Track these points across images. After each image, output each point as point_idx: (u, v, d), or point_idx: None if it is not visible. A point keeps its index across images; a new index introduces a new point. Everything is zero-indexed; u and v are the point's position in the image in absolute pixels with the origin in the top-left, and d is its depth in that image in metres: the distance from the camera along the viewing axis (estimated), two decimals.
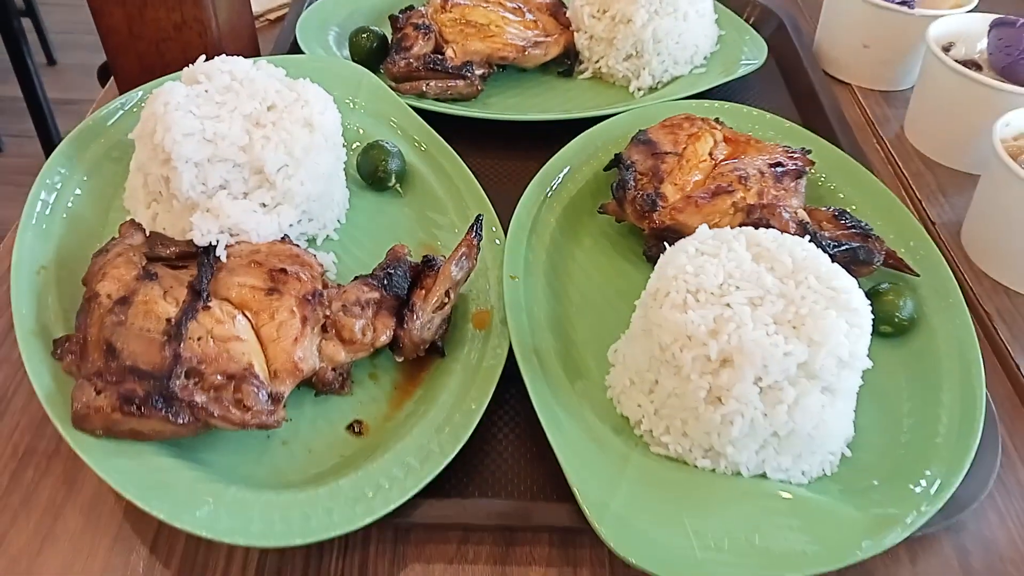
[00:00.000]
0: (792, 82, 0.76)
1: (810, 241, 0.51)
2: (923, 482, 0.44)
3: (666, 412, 0.45)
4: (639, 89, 0.73)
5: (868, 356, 0.45)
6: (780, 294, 0.43)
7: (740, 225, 0.53)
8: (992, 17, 0.67)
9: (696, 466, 0.44)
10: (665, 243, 0.49)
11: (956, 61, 0.66)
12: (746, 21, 0.81)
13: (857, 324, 0.43)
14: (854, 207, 0.61)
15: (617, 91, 0.74)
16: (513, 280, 0.53)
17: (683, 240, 0.48)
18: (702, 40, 0.73)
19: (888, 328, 0.52)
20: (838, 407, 0.44)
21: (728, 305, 0.43)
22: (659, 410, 0.45)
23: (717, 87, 0.71)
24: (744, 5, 0.83)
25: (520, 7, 0.76)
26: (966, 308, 0.52)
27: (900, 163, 0.69)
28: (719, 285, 0.44)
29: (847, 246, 0.53)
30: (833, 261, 0.51)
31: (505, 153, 0.67)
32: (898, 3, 0.71)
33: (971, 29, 0.68)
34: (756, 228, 0.52)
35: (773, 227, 0.52)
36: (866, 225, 0.55)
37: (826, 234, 0.54)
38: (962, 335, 0.51)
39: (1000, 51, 0.64)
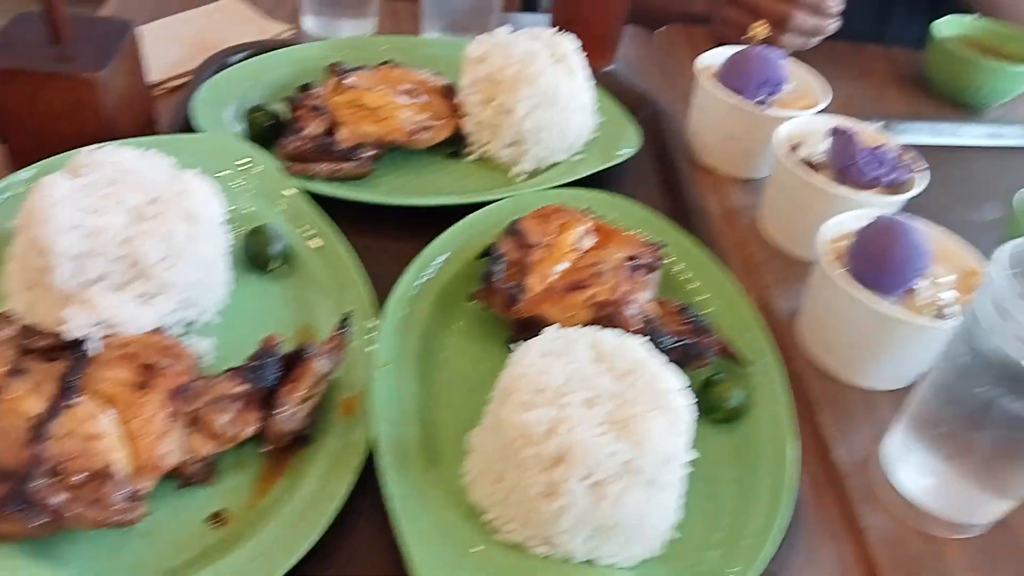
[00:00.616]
0: (663, 169, 0.83)
1: (651, 339, 0.57)
2: (739, 566, 0.50)
3: (510, 502, 0.49)
4: (521, 173, 0.78)
5: (700, 442, 0.50)
6: (612, 395, 0.49)
7: (593, 319, 0.59)
8: (832, 123, 0.76)
9: (535, 553, 0.49)
10: (525, 336, 0.54)
11: (800, 160, 0.74)
12: (625, 106, 0.88)
13: (679, 423, 0.49)
14: (704, 297, 0.67)
15: (501, 174, 0.78)
16: (383, 367, 0.57)
17: (532, 340, 0.52)
18: (581, 129, 0.79)
19: (719, 415, 0.58)
20: (661, 498, 0.49)
21: (565, 406, 0.48)
22: (505, 499, 0.50)
23: (595, 173, 0.77)
24: (624, 91, 0.90)
25: (414, 89, 0.80)
26: (787, 399, 0.58)
27: (752, 250, 0.76)
28: (559, 386, 0.49)
29: (683, 343, 0.59)
30: (670, 356, 0.58)
31: (393, 233, 0.71)
32: (754, 103, 0.79)
33: (816, 131, 0.76)
34: (607, 323, 0.58)
35: (620, 323, 0.59)
36: (702, 320, 0.61)
37: (666, 330, 0.60)
38: (782, 425, 0.57)
39: (836, 156, 0.72)
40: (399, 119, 0.76)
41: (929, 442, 0.54)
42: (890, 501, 0.57)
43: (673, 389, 0.50)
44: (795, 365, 0.66)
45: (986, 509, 0.55)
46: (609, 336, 0.52)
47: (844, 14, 1.14)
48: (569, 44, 0.78)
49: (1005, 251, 0.49)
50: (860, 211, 0.65)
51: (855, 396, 0.64)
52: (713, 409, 0.58)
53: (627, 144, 0.81)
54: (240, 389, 0.51)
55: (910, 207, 0.71)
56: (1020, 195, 0.73)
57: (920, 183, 0.72)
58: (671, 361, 0.58)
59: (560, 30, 0.90)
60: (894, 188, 0.72)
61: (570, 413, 0.47)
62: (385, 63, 0.83)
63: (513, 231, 0.66)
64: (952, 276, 0.63)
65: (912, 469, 0.56)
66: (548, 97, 0.75)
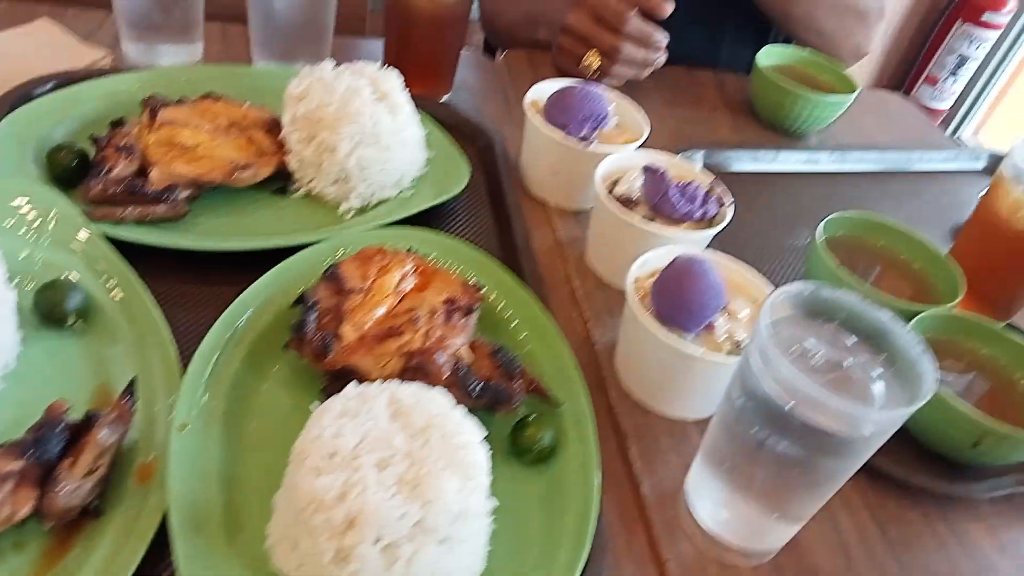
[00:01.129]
0: (496, 202, 0.84)
1: (460, 386, 0.58)
2: None
3: (306, 569, 0.49)
4: (349, 210, 0.77)
5: (510, 484, 0.52)
6: (406, 454, 0.49)
7: (404, 368, 0.59)
8: (647, 159, 0.79)
9: None
10: (341, 387, 0.54)
11: (619, 196, 0.77)
12: (461, 137, 0.88)
13: (473, 478, 0.49)
14: (524, 335, 0.69)
15: (329, 211, 0.77)
16: (182, 429, 0.55)
17: (331, 399, 0.52)
18: (408, 166, 0.79)
19: (529, 458, 0.60)
20: (459, 553, 0.50)
21: (357, 469, 0.48)
22: (300, 566, 0.49)
23: (428, 209, 0.78)
24: (460, 122, 0.91)
25: (237, 124, 0.78)
26: (594, 439, 0.60)
27: (578, 284, 0.79)
28: (353, 448, 0.49)
29: (492, 388, 0.60)
30: (479, 403, 0.58)
31: (211, 278, 0.69)
32: (578, 139, 0.81)
33: (635, 166, 0.79)
34: (417, 372, 0.59)
35: (431, 371, 0.59)
36: (514, 363, 0.62)
37: (477, 376, 0.60)
38: (590, 463, 0.59)
39: (648, 193, 0.75)
40: (217, 157, 0.74)
41: (720, 476, 0.57)
42: (692, 532, 0.60)
43: (469, 443, 0.50)
44: (611, 398, 0.69)
45: (775, 535, 0.59)
46: (409, 391, 0.53)
47: (679, 39, 1.20)
48: (393, 80, 0.77)
49: (773, 297, 0.52)
50: (665, 248, 0.68)
51: (666, 427, 0.67)
52: (524, 452, 0.60)
53: (458, 179, 0.81)
54: (13, 467, 0.48)
55: (729, 236, 0.75)
56: (821, 227, 0.78)
57: (727, 216, 0.76)
58: (481, 407, 0.60)
59: (393, 58, 0.91)
60: (706, 222, 0.76)
61: (362, 476, 0.47)
62: (207, 95, 0.80)
63: (331, 276, 0.65)
64: (747, 311, 0.67)
65: (708, 501, 0.59)
66: (370, 135, 0.74)
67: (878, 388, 0.52)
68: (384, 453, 0.49)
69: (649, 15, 0.99)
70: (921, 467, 0.68)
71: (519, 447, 0.60)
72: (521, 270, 0.75)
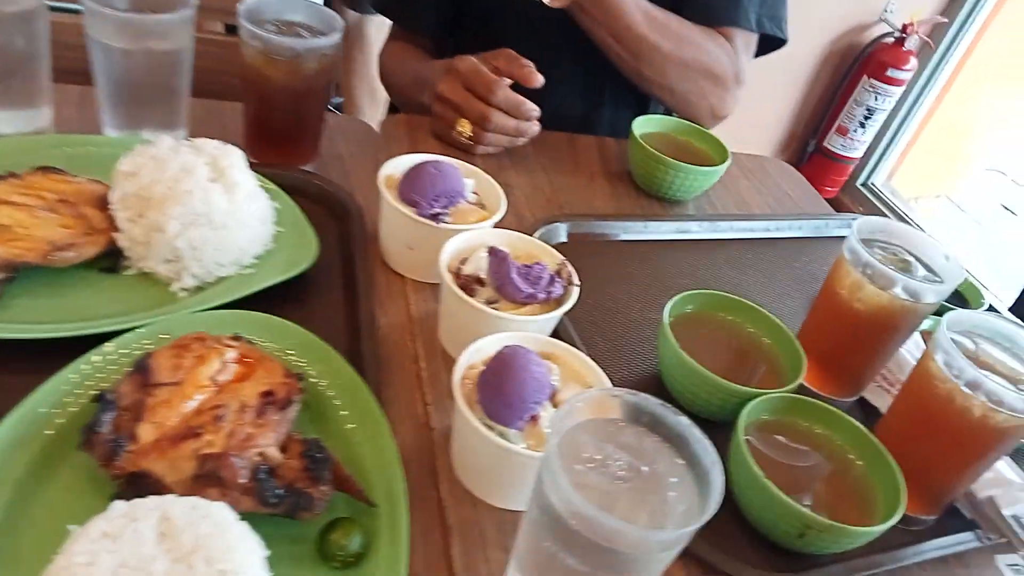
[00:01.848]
0: (348, 279, 0.82)
1: (257, 495, 0.55)
2: None
3: None
4: (182, 290, 0.74)
5: None
6: None
7: (198, 474, 0.56)
8: (494, 240, 0.78)
9: None
10: (136, 493, 0.50)
11: (467, 275, 0.75)
12: (322, 209, 0.87)
13: None
14: (351, 426, 0.66)
15: (161, 289, 0.74)
16: None
17: (94, 519, 0.49)
18: (248, 244, 0.76)
19: (336, 562, 0.57)
20: None
21: None
22: None
23: (274, 286, 0.75)
24: (321, 193, 0.89)
25: (67, 200, 0.75)
26: (405, 541, 0.58)
27: (425, 363, 0.77)
28: None
29: (292, 494, 0.57)
30: (278, 510, 0.56)
31: (22, 367, 0.65)
32: (428, 216, 0.80)
33: (484, 244, 0.78)
34: (212, 478, 0.56)
35: (226, 476, 0.56)
36: (322, 465, 0.59)
37: (280, 480, 0.58)
38: (398, 567, 0.57)
39: (492, 274, 0.74)
40: (36, 237, 0.70)
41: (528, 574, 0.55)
42: None
43: (237, 570, 0.47)
44: (442, 489, 0.67)
45: None
46: (184, 506, 0.50)
47: (561, 103, 1.20)
48: (232, 157, 0.75)
49: (568, 404, 0.51)
50: (496, 337, 0.67)
51: (495, 519, 0.65)
52: (329, 557, 0.57)
53: (306, 254, 0.79)
54: None
55: (595, 309, 0.74)
56: (669, 307, 0.78)
57: (572, 298, 0.75)
58: (282, 513, 0.57)
59: (251, 126, 0.89)
60: (553, 303, 0.75)
61: None
62: (41, 168, 0.77)
63: (138, 368, 0.62)
64: None
65: None
66: (201, 216, 0.71)
67: (673, 497, 0.51)
68: None
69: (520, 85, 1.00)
70: (753, 557, 0.67)
71: (325, 552, 0.57)
72: (363, 354, 0.73)
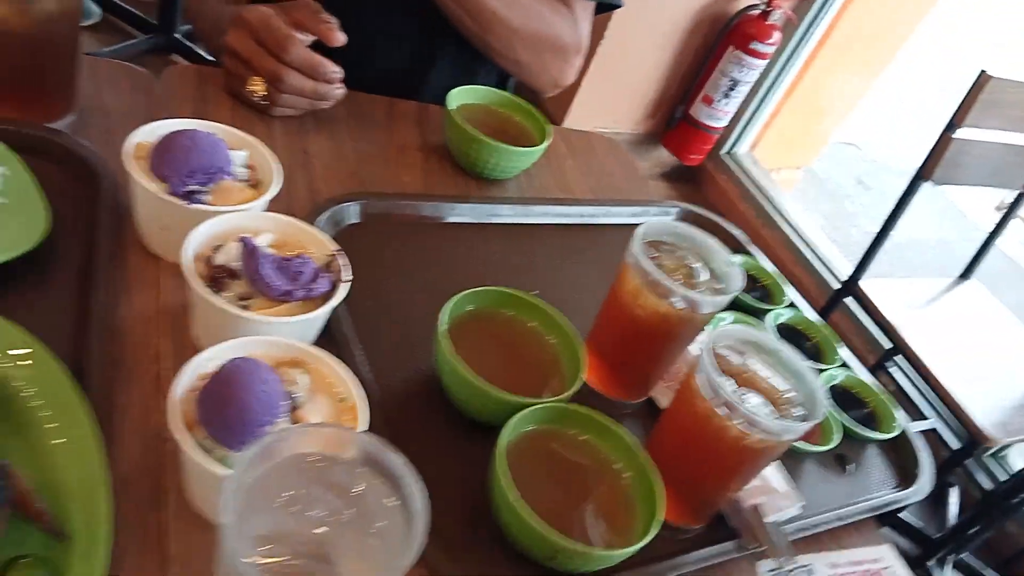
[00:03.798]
0: (87, 262, 0.72)
1: None
2: None
3: None
4: None
5: None
6: None
7: None
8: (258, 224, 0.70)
9: None
10: None
11: (217, 266, 0.67)
12: (67, 176, 0.76)
13: None
14: (58, 441, 0.58)
15: None
16: None
17: None
18: None
19: None
20: None
21: None
22: None
23: None
24: (66, 158, 0.77)
25: None
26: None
27: (168, 363, 0.68)
28: None
29: None
30: None
31: None
32: (180, 195, 0.71)
33: (246, 230, 0.70)
34: None
35: None
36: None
37: None
38: None
39: (245, 267, 0.66)
40: None
41: None
42: None
43: None
44: (168, 512, 0.60)
45: None
46: None
47: (388, 60, 1.12)
48: None
49: (241, 458, 0.45)
50: (229, 344, 0.60)
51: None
52: None
53: (32, 232, 0.69)
54: None
55: (382, 305, 0.68)
56: (447, 308, 0.73)
57: (339, 296, 0.69)
58: None
59: None
60: (317, 301, 0.68)
61: None
62: None
63: None
64: (325, 413, 0.60)
65: None
66: None
67: (375, 542, 0.46)
68: None
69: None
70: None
71: None
72: (90, 352, 0.64)
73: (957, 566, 2.08)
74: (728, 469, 0.67)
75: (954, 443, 2.11)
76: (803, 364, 0.67)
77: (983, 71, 1.65)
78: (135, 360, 0.68)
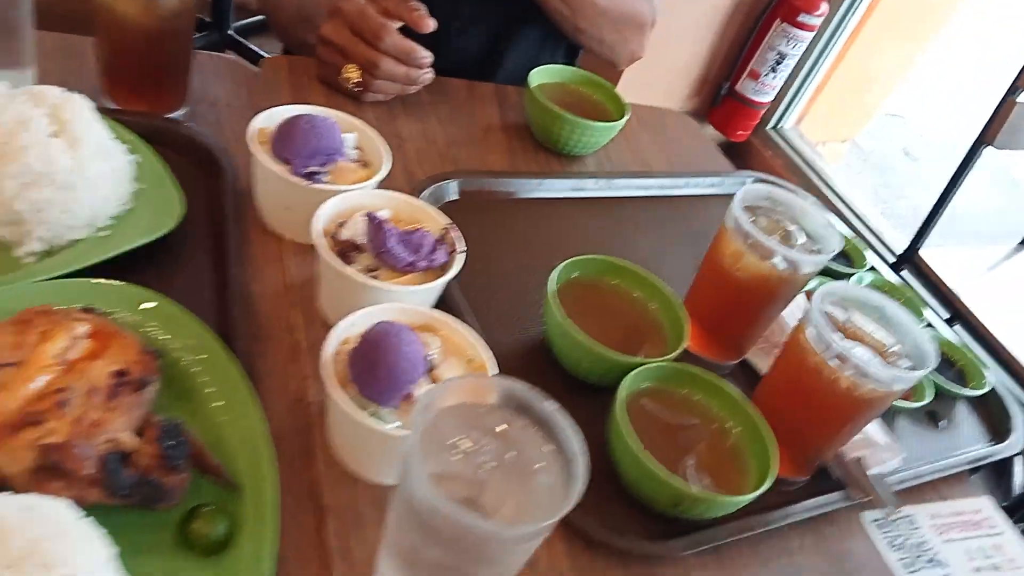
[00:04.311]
0: (218, 241, 0.77)
1: (105, 487, 0.52)
2: None
3: None
4: (29, 254, 0.68)
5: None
6: None
7: (39, 465, 0.52)
8: (377, 202, 0.74)
9: None
10: None
11: (344, 240, 0.72)
12: (189, 163, 0.80)
13: None
14: (216, 405, 0.63)
15: (4, 255, 0.68)
16: None
17: None
18: (101, 204, 0.70)
19: (198, 550, 0.54)
20: None
21: None
22: None
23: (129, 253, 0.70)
24: (187, 145, 0.82)
25: None
26: (272, 524, 0.56)
27: (303, 333, 0.73)
28: None
29: (145, 485, 0.54)
30: (130, 502, 0.52)
31: None
32: (302, 176, 0.75)
33: (364, 206, 0.74)
34: (55, 470, 0.52)
35: (70, 468, 0.52)
36: (178, 450, 0.56)
37: (132, 469, 0.54)
38: (261, 555, 0.55)
39: (371, 241, 0.70)
40: None
41: (394, 567, 0.54)
42: None
43: (79, 572, 0.44)
44: (318, 467, 0.64)
45: None
46: (17, 504, 0.46)
47: (465, 45, 1.16)
48: (78, 108, 0.68)
49: (425, 396, 0.49)
50: (368, 310, 0.64)
51: (371, 497, 0.63)
52: (193, 545, 0.54)
53: (169, 214, 0.74)
54: None
55: (484, 272, 0.72)
56: (555, 274, 0.76)
57: (457, 266, 0.73)
58: (135, 505, 0.54)
59: (106, 69, 0.81)
60: (436, 271, 0.72)
61: None
62: None
63: None
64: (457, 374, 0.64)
65: None
66: (41, 175, 0.65)
67: (539, 485, 0.50)
68: None
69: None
70: (630, 523, 0.68)
71: (187, 540, 0.55)
72: (233, 323, 0.69)
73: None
74: (838, 421, 0.70)
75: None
76: (908, 317, 0.70)
77: None
78: (270, 331, 0.72)
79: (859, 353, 0.66)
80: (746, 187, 0.78)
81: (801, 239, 0.78)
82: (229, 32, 2.52)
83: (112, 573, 0.48)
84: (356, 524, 0.62)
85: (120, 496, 0.53)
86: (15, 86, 0.70)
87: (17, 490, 0.51)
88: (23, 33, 0.77)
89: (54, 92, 0.68)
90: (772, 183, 1.13)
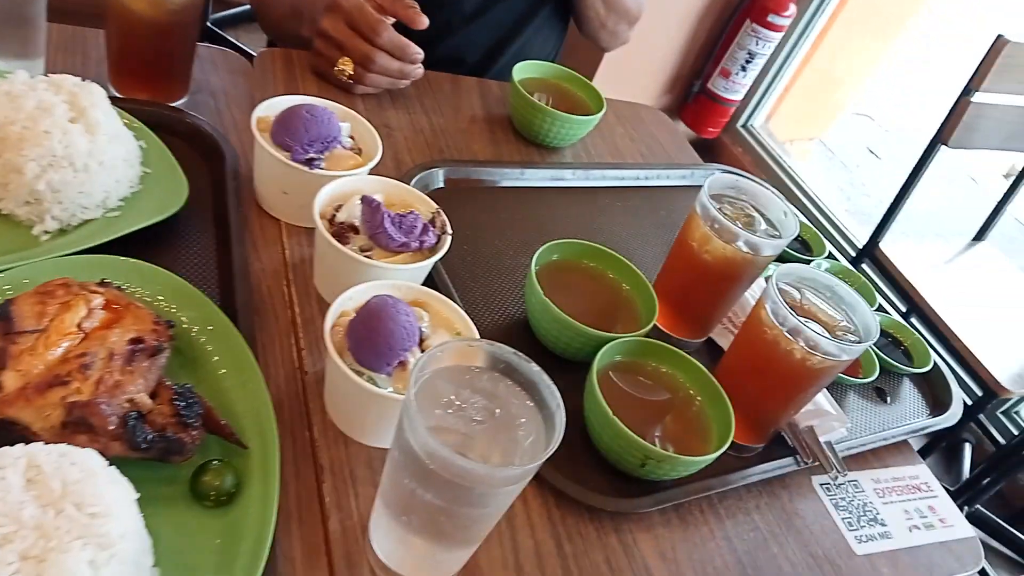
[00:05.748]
0: (220, 222, 0.82)
1: (127, 441, 0.57)
2: None
3: None
4: (45, 233, 0.72)
5: (187, 530, 0.52)
6: (35, 526, 0.48)
7: (66, 421, 0.57)
8: (369, 187, 0.79)
9: None
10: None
11: (340, 223, 0.77)
12: (191, 148, 0.85)
13: (108, 548, 0.49)
14: (223, 371, 0.68)
15: (23, 232, 0.72)
16: None
17: None
18: (114, 186, 0.75)
19: (209, 503, 0.60)
20: None
21: None
22: None
23: (141, 230, 0.74)
24: (191, 132, 0.87)
25: None
26: (276, 478, 0.61)
27: (300, 308, 0.79)
28: None
29: (162, 440, 0.59)
30: (149, 455, 0.58)
31: None
32: (302, 162, 0.80)
33: (359, 191, 0.79)
34: (81, 425, 0.57)
35: (95, 424, 0.57)
36: (191, 410, 0.61)
37: (150, 426, 0.59)
38: (267, 505, 0.60)
39: (366, 223, 0.76)
40: None
41: (390, 515, 0.60)
42: (373, 566, 0.63)
43: (107, 512, 0.49)
44: (315, 430, 0.70)
45: (449, 564, 0.63)
46: (52, 453, 0.51)
47: (463, 41, 1.22)
48: (94, 96, 0.73)
49: (425, 357, 0.55)
50: (365, 286, 0.70)
51: (365, 457, 0.69)
52: (203, 497, 0.60)
53: (176, 197, 0.78)
54: None
55: (468, 255, 0.78)
56: (536, 256, 0.82)
57: (445, 247, 0.78)
58: (153, 458, 0.59)
59: (115, 60, 0.85)
60: (426, 252, 0.78)
61: None
62: None
63: (1, 315, 0.61)
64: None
65: (385, 539, 0.62)
66: (61, 158, 0.70)
67: (522, 436, 0.56)
68: (8, 528, 0.47)
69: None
70: (600, 484, 0.74)
71: (198, 492, 0.60)
72: (235, 298, 0.74)
73: (971, 517, 2.18)
74: (791, 389, 0.77)
75: (969, 399, 2.20)
76: (856, 296, 0.77)
77: (1000, 35, 1.71)
78: (271, 306, 0.78)
79: (811, 327, 0.73)
80: (714, 176, 0.85)
81: (762, 225, 0.85)
82: (207, 24, 2.55)
83: (137, 513, 0.53)
84: (350, 481, 0.68)
85: (140, 450, 0.58)
86: (30, 75, 0.74)
87: (47, 443, 0.56)
88: (38, 24, 0.81)
89: (70, 80, 0.73)
90: (738, 175, 1.20)
